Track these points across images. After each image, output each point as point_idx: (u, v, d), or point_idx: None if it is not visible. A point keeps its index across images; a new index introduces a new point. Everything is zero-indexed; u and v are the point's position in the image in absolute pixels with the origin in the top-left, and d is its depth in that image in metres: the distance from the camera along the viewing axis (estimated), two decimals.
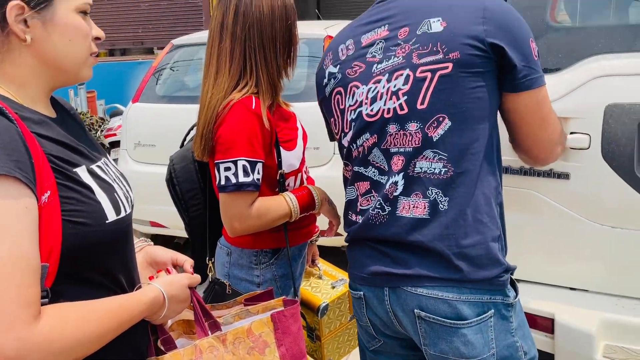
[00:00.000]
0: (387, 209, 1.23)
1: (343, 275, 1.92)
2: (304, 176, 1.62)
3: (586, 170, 1.69)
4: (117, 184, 1.02)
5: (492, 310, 1.19)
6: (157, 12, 8.98)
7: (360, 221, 1.29)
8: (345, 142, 1.33)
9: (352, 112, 1.29)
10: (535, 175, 1.78)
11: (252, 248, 1.55)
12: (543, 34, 1.68)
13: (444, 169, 1.17)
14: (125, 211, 0.99)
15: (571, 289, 1.90)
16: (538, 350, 1.92)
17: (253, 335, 1.16)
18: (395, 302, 1.24)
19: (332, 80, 1.34)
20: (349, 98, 1.30)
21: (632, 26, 1.72)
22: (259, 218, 1.44)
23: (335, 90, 1.33)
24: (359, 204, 1.31)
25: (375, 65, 1.25)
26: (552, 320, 1.82)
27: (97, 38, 0.99)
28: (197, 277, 1.12)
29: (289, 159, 1.52)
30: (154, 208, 3.22)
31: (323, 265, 1.97)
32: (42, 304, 0.82)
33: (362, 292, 1.31)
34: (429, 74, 1.17)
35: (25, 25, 0.89)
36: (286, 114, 1.57)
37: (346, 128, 1.31)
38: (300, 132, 1.60)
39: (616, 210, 1.69)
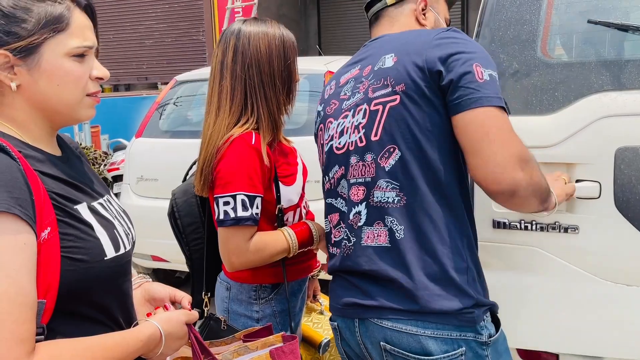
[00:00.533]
0: (352, 240, 1.27)
1: None
2: (304, 211, 1.63)
3: (597, 222, 1.52)
4: (118, 220, 1.03)
5: (464, 348, 1.17)
6: (161, 48, 9.16)
7: (337, 253, 1.33)
8: (324, 173, 1.40)
9: (326, 145, 1.37)
10: (539, 230, 1.57)
11: (252, 283, 1.55)
12: (533, 70, 1.59)
13: (396, 198, 1.20)
14: (125, 248, 1.00)
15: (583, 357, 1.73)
16: None
17: None
18: (365, 334, 1.25)
19: (318, 118, 1.45)
20: (325, 133, 1.38)
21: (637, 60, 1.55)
22: (257, 253, 1.44)
23: (319, 127, 1.44)
24: (332, 236, 1.36)
25: (344, 102, 1.33)
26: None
27: (100, 78, 0.99)
28: (195, 314, 1.11)
29: (288, 194, 1.53)
30: (156, 242, 3.21)
31: (325, 300, 1.95)
32: (38, 341, 0.82)
33: (336, 323, 1.34)
34: (380, 107, 1.23)
35: (12, 72, 0.90)
36: (286, 149, 1.59)
37: (324, 160, 1.39)
38: (300, 167, 1.62)
39: (632, 267, 1.52)
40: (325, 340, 1.75)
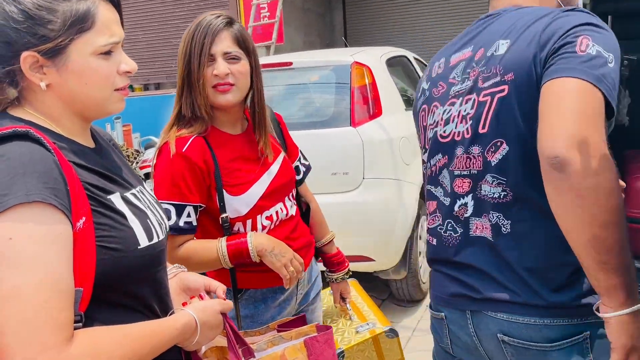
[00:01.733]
0: (459, 231, 1.24)
1: (375, 316, 1.85)
2: (265, 222, 1.54)
3: None
4: (151, 210, 1.04)
5: (588, 332, 1.12)
6: None
7: (435, 242, 1.31)
8: (424, 157, 1.37)
9: (430, 130, 1.33)
10: None
11: None
12: None
13: (502, 193, 1.15)
14: (158, 237, 1.01)
15: None
16: None
17: None
18: (478, 326, 1.22)
19: (422, 96, 1.39)
20: (430, 117, 1.33)
21: None
22: (183, 260, 1.43)
23: (422, 107, 1.37)
24: (427, 223, 1.36)
25: (452, 88, 1.28)
26: None
27: (128, 72, 0.99)
28: (230, 304, 1.12)
29: (234, 204, 1.49)
30: None
31: (363, 302, 1.91)
32: (76, 328, 0.83)
33: (443, 314, 1.30)
34: (488, 98, 1.17)
35: (41, 72, 0.91)
36: (252, 155, 1.54)
37: (426, 144, 1.35)
38: (266, 177, 1.54)
39: None
40: (338, 351, 1.68)
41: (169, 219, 1.38)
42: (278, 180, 1.57)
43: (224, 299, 1.14)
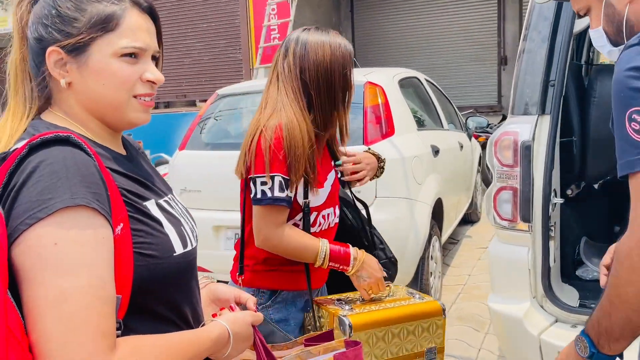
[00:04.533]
0: None
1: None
2: (322, 221, 1.61)
3: None
4: (184, 218, 1.04)
5: None
6: (199, 66, 9.36)
7: None
8: None
9: None
10: None
11: (249, 286, 1.57)
12: None
13: None
14: (192, 244, 1.01)
15: None
16: None
17: None
18: None
19: None
20: None
21: None
22: (284, 242, 1.49)
23: None
24: None
25: None
26: None
27: (152, 81, 0.97)
28: (260, 316, 1.11)
29: (315, 195, 1.55)
30: (200, 252, 3.24)
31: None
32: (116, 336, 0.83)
33: None
34: None
35: (64, 69, 0.92)
36: (325, 155, 1.64)
37: None
38: (329, 179, 1.64)
39: None
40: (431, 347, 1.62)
41: (282, 190, 1.46)
42: (335, 186, 1.66)
43: (255, 311, 1.13)
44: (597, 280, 2.17)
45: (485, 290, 4.21)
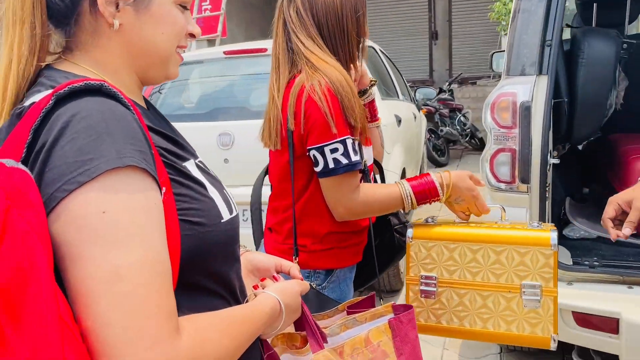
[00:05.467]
0: None
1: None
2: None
3: None
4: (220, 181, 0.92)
5: None
6: None
7: None
8: None
9: None
10: None
11: (303, 268, 1.43)
12: None
13: None
14: (235, 210, 0.90)
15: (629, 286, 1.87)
16: (601, 352, 1.89)
17: (371, 345, 1.06)
18: None
19: None
20: None
21: None
22: (365, 205, 1.35)
23: None
24: None
25: None
26: (617, 320, 1.78)
27: (192, 35, 0.88)
28: (307, 284, 1.01)
29: (366, 155, 1.44)
30: None
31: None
32: None
33: None
34: None
35: (116, 9, 0.79)
36: None
37: None
38: None
39: None
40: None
41: (356, 152, 1.30)
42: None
43: (301, 279, 1.03)
44: (585, 239, 2.24)
45: None
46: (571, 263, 1.98)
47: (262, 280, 1.06)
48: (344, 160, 1.29)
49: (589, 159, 2.68)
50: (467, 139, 7.89)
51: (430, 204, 1.42)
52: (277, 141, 1.39)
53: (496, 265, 1.27)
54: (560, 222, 2.28)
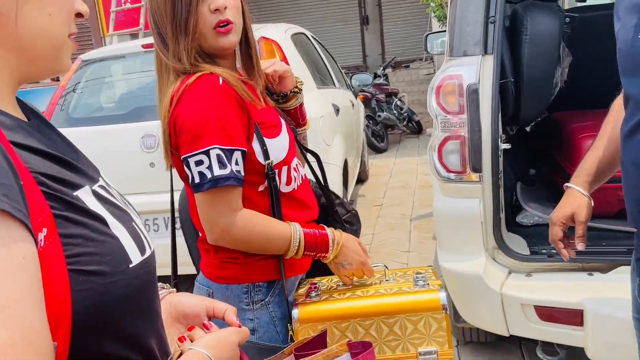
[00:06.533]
0: None
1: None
2: (294, 175, 1.30)
3: None
4: (130, 210, 0.70)
5: None
6: None
7: None
8: None
9: None
10: None
11: (241, 282, 1.25)
12: None
13: None
14: (150, 248, 0.68)
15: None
16: (566, 346, 1.80)
17: None
18: None
19: None
20: None
21: None
22: (244, 227, 1.17)
23: None
24: None
25: None
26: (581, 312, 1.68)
27: (80, 14, 0.68)
28: (246, 331, 0.82)
29: (273, 146, 1.24)
30: None
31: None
32: None
33: None
34: None
35: None
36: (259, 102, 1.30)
37: None
38: (283, 120, 1.32)
39: None
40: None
41: (224, 165, 1.13)
42: (290, 132, 1.32)
43: (238, 325, 0.83)
44: (539, 225, 2.15)
45: (393, 247, 4.22)
46: (528, 253, 1.88)
47: (190, 329, 0.84)
48: (208, 175, 1.13)
49: (534, 139, 2.60)
50: (405, 123, 7.85)
51: (314, 258, 1.27)
52: (168, 154, 1.24)
53: (390, 337, 1.22)
54: (513, 208, 2.18)
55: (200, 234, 1.31)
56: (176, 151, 1.20)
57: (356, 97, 5.22)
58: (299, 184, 1.31)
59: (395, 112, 7.58)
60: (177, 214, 1.47)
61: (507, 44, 2.02)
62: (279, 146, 1.25)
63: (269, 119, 1.26)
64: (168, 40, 1.19)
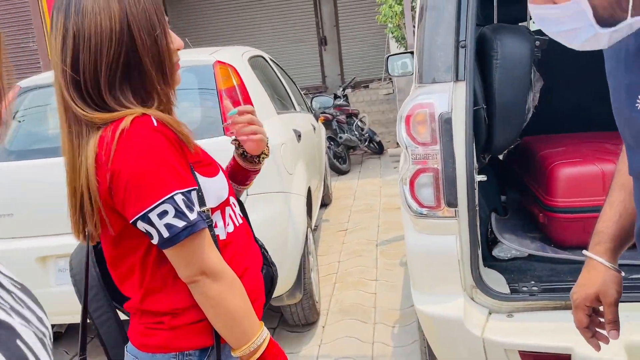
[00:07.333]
0: None
1: None
2: (233, 216, 1.20)
3: None
4: (18, 311, 0.51)
5: None
6: None
7: None
8: None
9: None
10: None
11: (168, 351, 1.09)
12: None
13: None
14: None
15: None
16: None
17: None
18: None
19: None
20: None
21: None
22: (227, 272, 1.07)
23: None
24: None
25: None
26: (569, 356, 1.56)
27: None
28: None
29: (212, 188, 1.13)
30: None
31: None
32: None
33: None
34: None
35: None
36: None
37: None
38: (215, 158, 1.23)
39: None
40: None
41: (191, 210, 1.02)
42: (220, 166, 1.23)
43: None
44: (516, 258, 2.04)
45: (359, 275, 4.06)
46: (508, 291, 1.75)
47: None
48: (180, 223, 1.00)
49: (504, 164, 2.51)
50: (366, 143, 7.78)
51: None
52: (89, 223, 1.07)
53: None
54: (488, 241, 2.06)
55: (128, 298, 1.15)
56: (113, 214, 1.05)
57: (317, 120, 5.10)
58: (237, 225, 1.19)
59: (356, 133, 7.50)
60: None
61: (477, 68, 1.92)
62: (220, 185, 1.15)
63: (204, 156, 1.15)
64: (95, 82, 1.03)
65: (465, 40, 1.64)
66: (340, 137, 7.17)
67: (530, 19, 2.62)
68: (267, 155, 1.33)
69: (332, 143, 7.00)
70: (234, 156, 1.34)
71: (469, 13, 1.64)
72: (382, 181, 6.54)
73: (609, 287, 1.00)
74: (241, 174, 1.34)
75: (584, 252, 1.06)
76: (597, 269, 1.02)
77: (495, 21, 2.48)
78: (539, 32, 2.55)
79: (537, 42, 1.94)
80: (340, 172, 7.12)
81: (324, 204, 5.66)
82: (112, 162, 0.99)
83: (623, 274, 1.03)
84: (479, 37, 2.01)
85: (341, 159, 7.23)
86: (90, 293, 1.22)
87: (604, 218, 1.05)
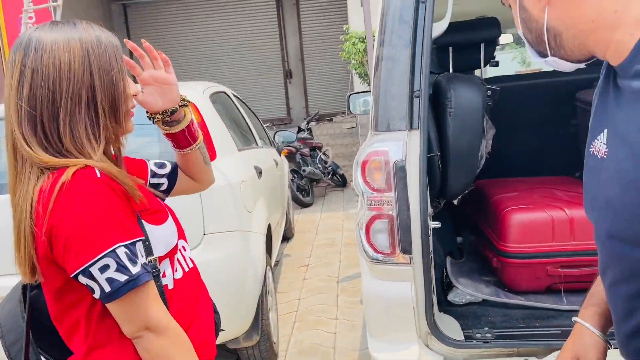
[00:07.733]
0: None
1: None
2: (182, 262, 1.18)
3: None
4: None
5: None
6: None
7: None
8: None
9: None
10: None
11: None
12: None
13: None
14: None
15: None
16: None
17: None
18: None
19: None
20: None
21: None
22: (174, 328, 1.06)
23: None
24: None
25: None
26: None
27: None
28: None
29: (160, 236, 1.11)
30: None
31: None
32: None
33: None
34: None
35: None
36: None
37: None
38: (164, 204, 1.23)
39: None
40: None
41: (134, 262, 1.00)
42: (170, 210, 1.22)
43: None
44: (471, 303, 2.06)
45: (320, 314, 4.02)
46: (463, 338, 1.76)
47: None
48: (122, 277, 0.98)
49: (458, 206, 2.56)
50: (330, 176, 7.82)
51: None
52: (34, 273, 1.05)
53: None
54: (444, 286, 2.08)
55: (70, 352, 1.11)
56: (54, 266, 1.02)
57: (280, 154, 5.10)
58: (187, 270, 1.18)
59: (319, 166, 7.54)
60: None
61: (432, 116, 1.97)
62: (168, 232, 1.14)
63: (151, 204, 1.13)
64: (53, 117, 1.02)
65: (419, 91, 1.68)
66: (304, 170, 7.18)
67: (485, 65, 2.72)
68: (186, 100, 1.30)
69: (295, 176, 7.01)
70: (165, 133, 1.30)
71: (422, 64, 1.69)
72: (345, 215, 6.56)
73: (588, 352, 0.95)
74: (179, 139, 1.30)
75: (574, 319, 1.01)
76: (581, 335, 0.97)
77: (450, 69, 2.56)
78: (492, 81, 2.64)
79: (489, 92, 2.00)
80: (304, 205, 7.11)
81: (286, 238, 5.62)
82: (50, 217, 0.97)
83: (611, 347, 0.96)
84: (434, 85, 2.07)
85: (304, 191, 7.23)
86: (16, 347, 1.16)
87: (597, 282, 0.99)
